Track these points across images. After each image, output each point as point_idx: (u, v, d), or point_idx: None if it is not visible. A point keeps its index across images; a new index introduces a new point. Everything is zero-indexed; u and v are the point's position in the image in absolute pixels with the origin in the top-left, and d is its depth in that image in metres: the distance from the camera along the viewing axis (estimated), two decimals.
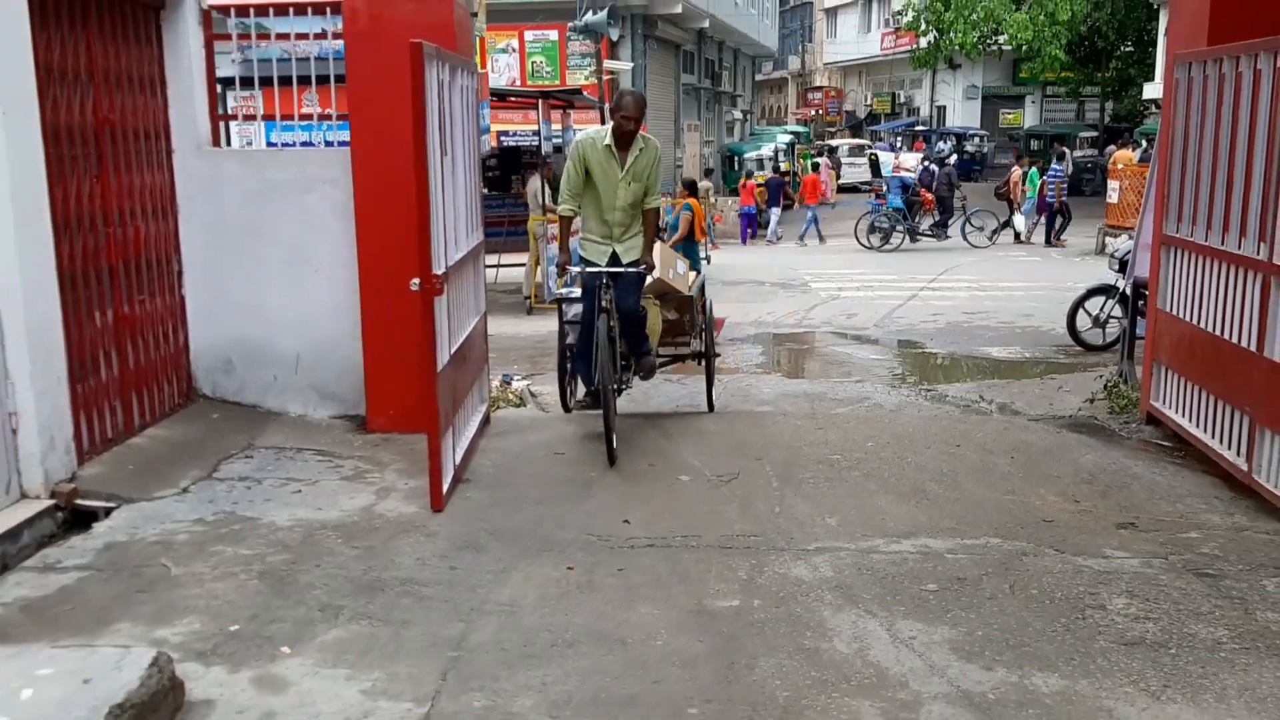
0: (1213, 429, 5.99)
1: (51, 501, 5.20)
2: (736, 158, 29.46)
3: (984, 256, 20.41)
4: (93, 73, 5.89)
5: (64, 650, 3.36)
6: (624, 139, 6.42)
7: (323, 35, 7.09)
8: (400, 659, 3.72)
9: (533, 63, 23.12)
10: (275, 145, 9.33)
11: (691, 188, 16.54)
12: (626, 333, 6.75)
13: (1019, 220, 22.73)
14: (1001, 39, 32.44)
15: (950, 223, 22.31)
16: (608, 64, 18.02)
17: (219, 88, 7.28)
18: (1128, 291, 8.39)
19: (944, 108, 45.75)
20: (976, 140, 39.81)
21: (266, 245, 6.87)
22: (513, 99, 16.38)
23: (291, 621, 4.01)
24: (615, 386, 6.53)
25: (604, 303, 6.44)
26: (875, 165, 35.55)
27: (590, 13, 16.62)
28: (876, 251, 21.69)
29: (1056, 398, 8.54)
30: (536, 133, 15.13)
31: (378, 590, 4.32)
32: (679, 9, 27.34)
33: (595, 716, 3.37)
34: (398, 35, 6.03)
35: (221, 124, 7.15)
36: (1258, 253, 5.43)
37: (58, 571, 4.52)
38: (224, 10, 7.11)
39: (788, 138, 33.70)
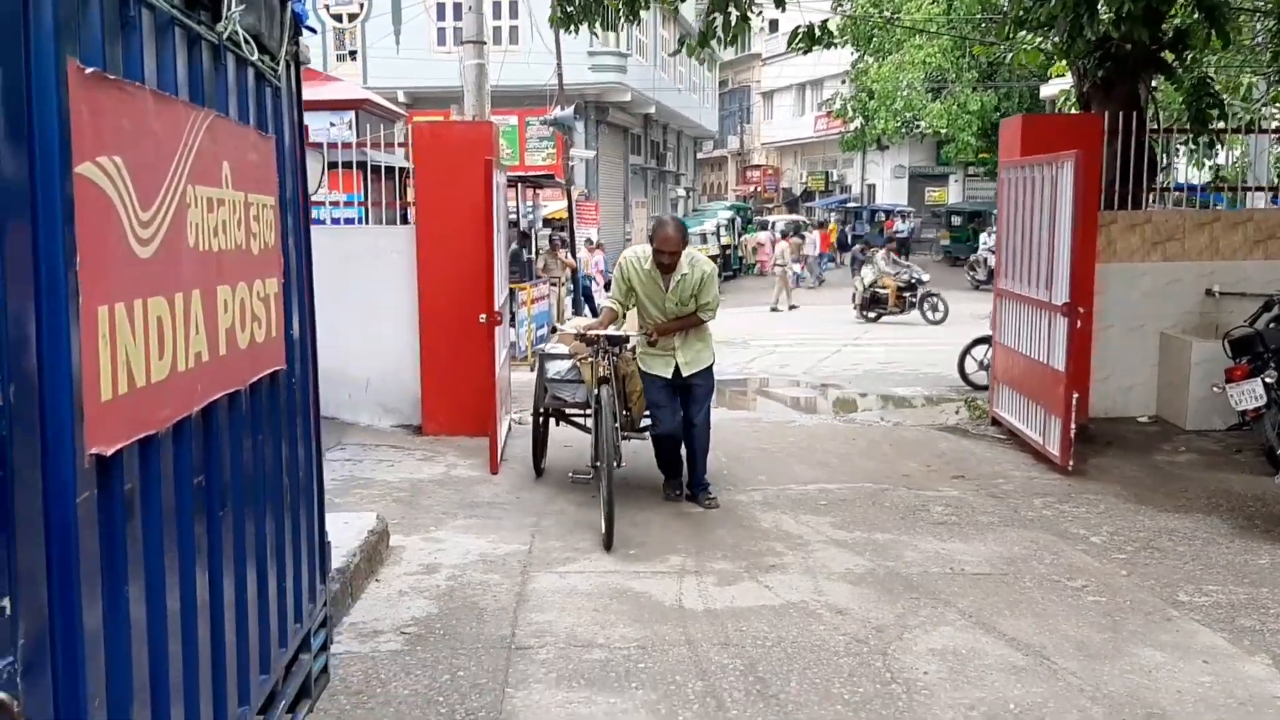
0: (1025, 420, 8.67)
1: None
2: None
3: (900, 320, 23.29)
4: None
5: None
6: (666, 266, 6.52)
7: (376, 144, 9.69)
8: (502, 532, 6.20)
9: None
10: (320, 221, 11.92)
11: None
12: (692, 451, 6.81)
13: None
14: (921, 125, 35.90)
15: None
16: (574, 152, 20.76)
17: None
18: None
19: (874, 185, 49.32)
20: (902, 216, 43.24)
21: (344, 298, 9.33)
22: None
23: (428, 519, 6.48)
24: (614, 464, 6.15)
25: (602, 370, 6.39)
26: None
27: (559, 109, 19.44)
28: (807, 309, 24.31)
29: (937, 416, 11.20)
30: (514, 209, 17.84)
31: (474, 507, 6.79)
32: (629, 97, 30.40)
33: (623, 546, 5.86)
34: (453, 148, 8.72)
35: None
36: (1045, 295, 8.15)
37: None
38: None
39: (729, 213, 36.69)
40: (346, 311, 9.38)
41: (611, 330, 6.60)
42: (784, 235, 30.66)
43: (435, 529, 6.29)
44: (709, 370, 6.88)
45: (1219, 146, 11.16)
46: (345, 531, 5.49)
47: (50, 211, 1.51)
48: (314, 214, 10.75)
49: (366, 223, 9.90)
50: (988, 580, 5.43)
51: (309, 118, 10.67)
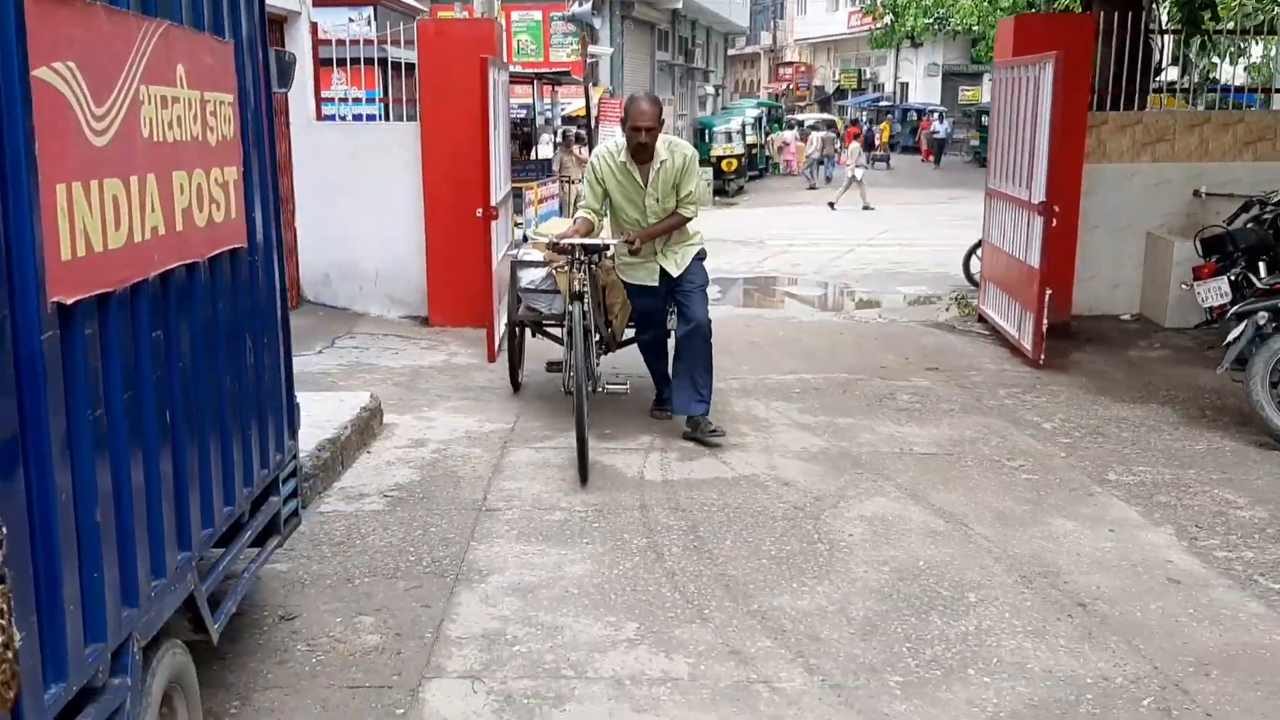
0: (1006, 316, 8.98)
1: None
2: (707, 131, 32.20)
3: (921, 218, 23.38)
4: None
5: (325, 394, 6.31)
6: (641, 151, 5.90)
7: (395, 40, 9.96)
8: (490, 413, 6.66)
9: (518, 40, 25.82)
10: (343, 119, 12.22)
11: None
12: (690, 359, 6.14)
13: None
14: (952, 21, 35.29)
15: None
16: (591, 49, 20.78)
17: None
18: None
19: (906, 84, 48.67)
20: (939, 117, 42.66)
21: (355, 193, 9.72)
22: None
23: (422, 401, 6.94)
24: (590, 388, 5.69)
25: (578, 284, 5.71)
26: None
27: (576, 4, 19.41)
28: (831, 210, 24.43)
29: (930, 313, 11.51)
30: (527, 106, 18.01)
31: (468, 390, 7.25)
32: None
33: (598, 426, 6.31)
34: (457, 46, 8.98)
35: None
36: (1025, 195, 8.40)
37: None
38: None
39: (756, 111, 36.46)
40: (357, 206, 9.78)
41: (588, 239, 5.90)
42: (855, 134, 30.84)
43: (428, 409, 6.75)
44: (699, 263, 6.28)
45: (1210, 49, 11.18)
46: (340, 408, 5.96)
47: (12, 109, 1.90)
48: (331, 111, 11.16)
49: (388, 119, 10.24)
50: (932, 459, 5.83)
51: (325, 13, 11.08)
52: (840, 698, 3.41)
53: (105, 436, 2.25)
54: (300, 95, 9.69)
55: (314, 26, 9.86)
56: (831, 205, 24.78)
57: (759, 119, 35.33)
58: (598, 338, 6.18)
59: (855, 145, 27.12)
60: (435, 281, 9.60)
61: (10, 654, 1.79)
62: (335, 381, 7.38)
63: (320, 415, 5.77)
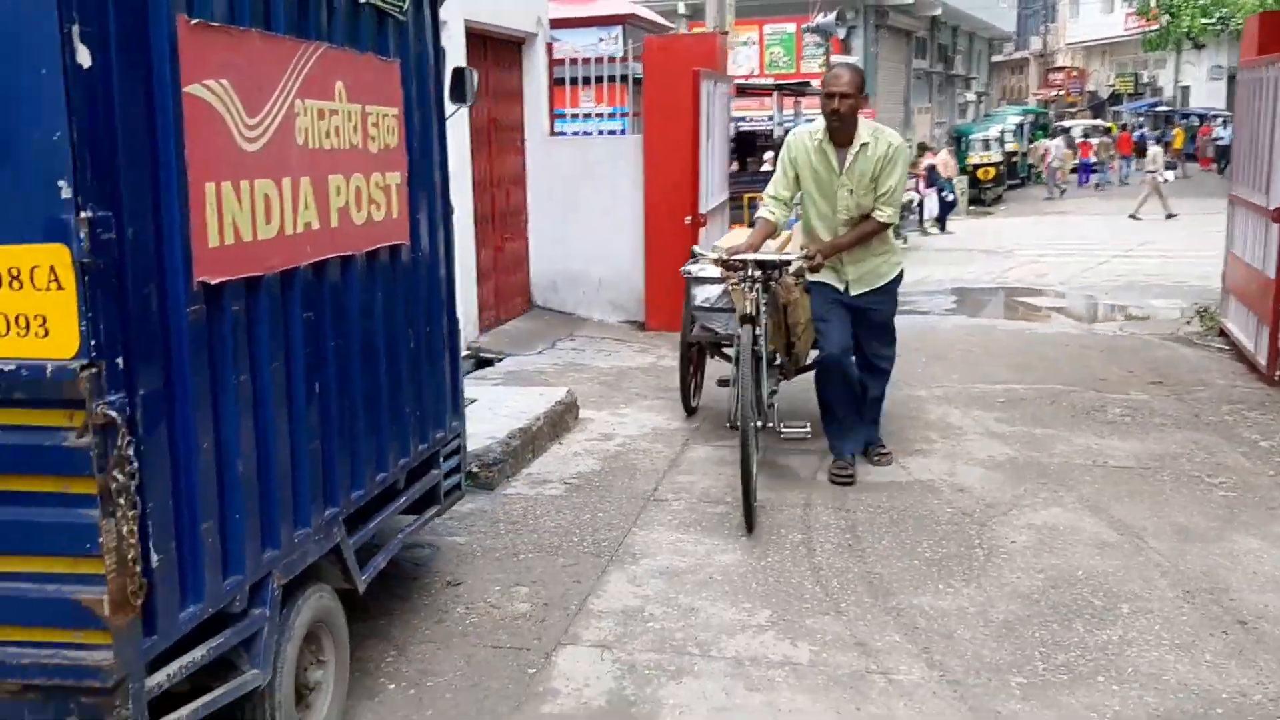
0: (1244, 329, 8.39)
1: (467, 352, 8.72)
2: (963, 138, 31.33)
3: (1190, 229, 21.87)
4: (488, 88, 9.39)
5: (526, 388, 6.77)
6: (840, 130, 5.17)
7: (639, 57, 10.42)
8: (678, 411, 6.87)
9: (770, 54, 26.05)
10: (575, 134, 12.86)
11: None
12: (863, 392, 5.53)
13: None
14: (1234, 22, 32.77)
15: None
16: (835, 58, 20.74)
17: None
18: None
19: (1188, 88, 45.46)
20: (1224, 122, 39.64)
21: (583, 204, 10.22)
22: (750, 89, 19.49)
23: (621, 399, 7.28)
24: (759, 423, 5.05)
25: (749, 305, 5.11)
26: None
27: (821, 15, 19.47)
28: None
29: (1171, 326, 10.85)
30: (770, 118, 18.20)
31: (665, 390, 7.50)
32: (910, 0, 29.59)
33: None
34: (680, 60, 9.31)
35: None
36: (1263, 200, 7.84)
37: (494, 382, 7.96)
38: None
39: (1018, 118, 35.10)
40: (584, 217, 10.29)
41: (763, 254, 5.25)
42: (1157, 140, 29.31)
43: (624, 407, 7.07)
44: (890, 290, 5.49)
45: None
46: (537, 401, 6.37)
47: (165, 119, 2.29)
48: (578, 127, 11.76)
49: (631, 134, 10.76)
50: (1124, 473, 5.59)
51: (574, 34, 11.73)
52: (955, 693, 3.41)
53: (250, 399, 2.64)
54: (535, 112, 10.31)
55: (549, 47, 10.46)
56: (1134, 217, 23.38)
57: (1020, 126, 33.99)
58: (777, 361, 5.78)
59: (1156, 150, 25.63)
60: (652, 288, 9.95)
61: (138, 568, 2.17)
62: (546, 379, 7.83)
63: (518, 407, 6.20)
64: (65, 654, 2.17)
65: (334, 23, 3.03)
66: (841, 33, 20.10)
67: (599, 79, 10.45)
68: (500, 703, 3.41)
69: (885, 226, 5.30)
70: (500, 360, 8.73)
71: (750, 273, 5.16)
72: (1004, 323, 11.80)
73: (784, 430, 5.35)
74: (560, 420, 6.37)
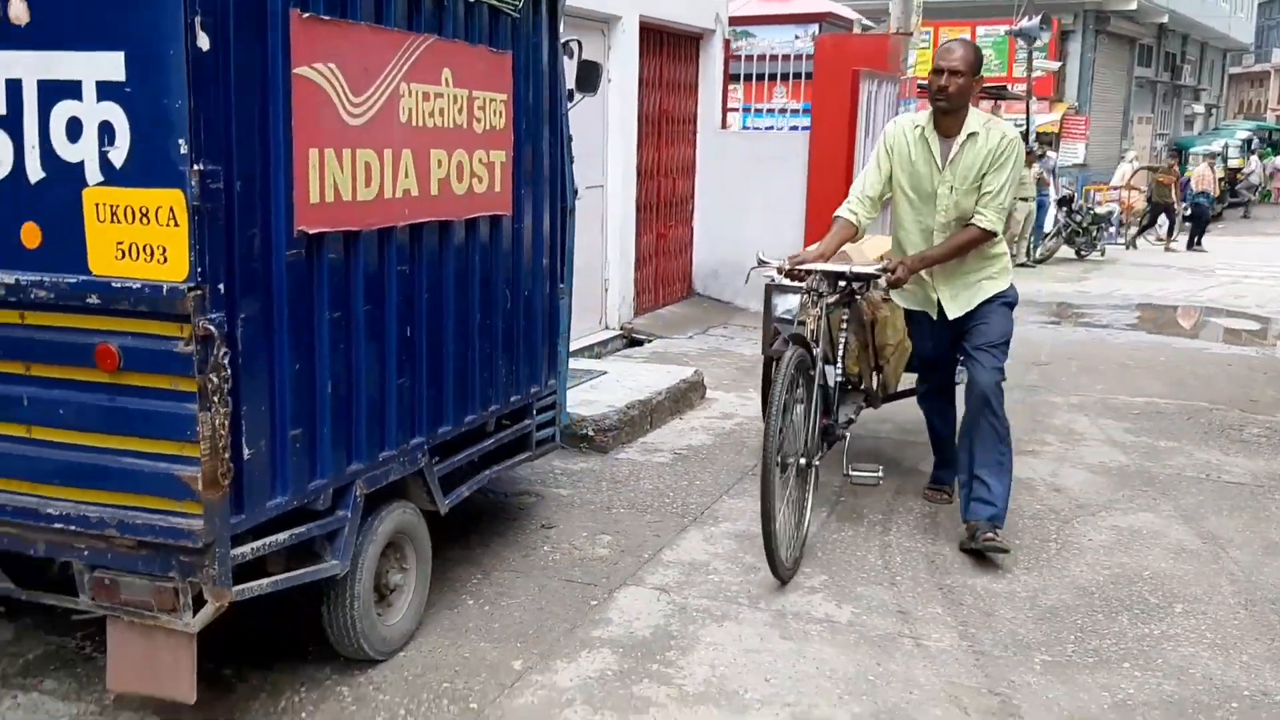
0: None
1: (620, 331, 9.21)
2: (1183, 152, 29.82)
3: None
4: (660, 81, 9.84)
5: (658, 366, 7.19)
6: (947, 115, 4.41)
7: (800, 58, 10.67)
8: None
9: None
10: (749, 129, 13.19)
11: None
12: (972, 438, 4.55)
13: None
14: None
15: None
16: (1037, 64, 20.26)
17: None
18: None
19: None
20: None
21: (747, 196, 10.53)
22: None
23: (750, 383, 7.55)
24: (802, 461, 4.34)
25: (812, 323, 4.45)
26: None
27: (1025, 18, 19.03)
28: None
29: None
30: None
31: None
32: (1134, 5, 28.34)
33: (879, 420, 6.59)
34: (849, 60, 9.51)
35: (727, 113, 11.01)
36: None
37: (634, 359, 8.41)
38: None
39: (1247, 133, 33.10)
40: (748, 209, 10.61)
41: (834, 264, 4.50)
42: None
43: (752, 391, 7.35)
44: (997, 306, 4.54)
45: None
46: (664, 378, 6.78)
47: (275, 94, 2.81)
48: (758, 122, 12.05)
49: None
50: (1234, 488, 5.52)
51: (771, 31, 12.08)
52: (976, 662, 3.61)
53: (343, 334, 3.14)
54: (709, 105, 10.70)
55: (726, 43, 10.82)
56: None
57: (1248, 141, 32.05)
58: (861, 386, 5.30)
59: None
60: None
61: (227, 455, 2.68)
62: (686, 360, 8.21)
63: (643, 382, 6.62)
64: (169, 519, 2.71)
65: (444, 18, 3.50)
66: (1044, 38, 19.55)
67: (797, 75, 10.75)
68: (558, 624, 3.83)
69: (987, 236, 4.42)
70: (650, 341, 9.18)
71: (815, 285, 4.45)
72: (1178, 340, 11.40)
73: (852, 472, 4.58)
74: (683, 397, 6.74)
